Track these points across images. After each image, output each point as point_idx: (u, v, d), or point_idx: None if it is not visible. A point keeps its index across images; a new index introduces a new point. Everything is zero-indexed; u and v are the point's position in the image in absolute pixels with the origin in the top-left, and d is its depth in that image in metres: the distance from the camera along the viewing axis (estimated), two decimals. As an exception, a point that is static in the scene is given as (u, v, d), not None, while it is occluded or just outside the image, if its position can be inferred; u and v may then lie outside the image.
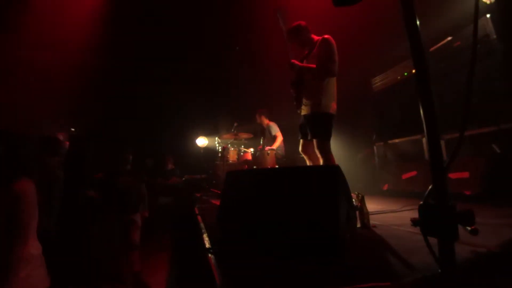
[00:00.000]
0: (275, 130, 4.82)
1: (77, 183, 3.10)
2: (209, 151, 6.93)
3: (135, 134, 6.42)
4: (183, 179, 6.14)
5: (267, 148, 4.55)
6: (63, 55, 5.43)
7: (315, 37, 2.67)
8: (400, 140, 4.00)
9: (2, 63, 4.98)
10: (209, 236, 1.75)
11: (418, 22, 1.02)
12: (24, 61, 5.19)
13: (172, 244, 3.84)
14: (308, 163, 2.81)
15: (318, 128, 2.55)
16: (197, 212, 2.90)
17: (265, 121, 4.96)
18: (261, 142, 4.91)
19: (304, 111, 2.71)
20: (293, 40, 2.71)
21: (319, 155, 2.56)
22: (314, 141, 2.58)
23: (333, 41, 2.51)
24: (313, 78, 2.58)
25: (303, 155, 2.86)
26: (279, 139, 4.75)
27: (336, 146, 5.48)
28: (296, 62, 2.62)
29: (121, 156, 3.55)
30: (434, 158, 0.97)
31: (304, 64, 2.63)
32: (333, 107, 2.58)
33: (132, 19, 5.59)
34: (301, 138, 2.81)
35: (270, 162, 4.42)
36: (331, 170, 1.49)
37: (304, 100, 2.67)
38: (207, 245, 1.58)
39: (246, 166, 4.84)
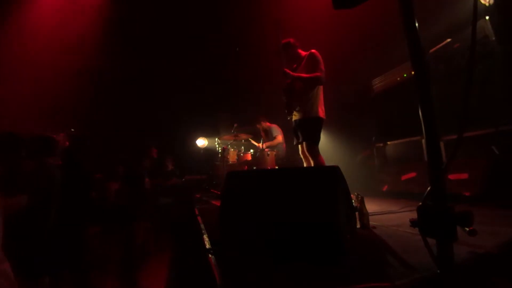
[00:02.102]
0: (276, 132, 4.99)
1: (77, 184, 3.09)
2: (209, 152, 6.94)
3: (135, 134, 6.42)
4: (183, 180, 6.13)
5: (262, 146, 4.64)
6: (64, 54, 5.44)
7: (303, 52, 2.91)
8: (399, 141, 4.00)
9: (2, 62, 4.98)
10: (209, 237, 1.76)
11: (417, 24, 1.02)
12: (24, 61, 5.19)
13: (172, 244, 3.82)
14: (305, 165, 2.95)
15: (309, 132, 2.76)
16: (197, 212, 2.90)
17: (266, 124, 5.09)
18: (261, 143, 4.94)
19: (296, 116, 2.91)
20: (284, 54, 2.98)
21: (309, 157, 2.76)
22: (305, 143, 2.79)
23: (319, 55, 2.74)
24: (304, 87, 2.78)
25: (302, 158, 2.98)
26: (276, 140, 4.91)
27: (336, 147, 5.50)
28: (289, 71, 2.78)
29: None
30: (432, 159, 0.97)
31: (296, 73, 2.81)
32: (321, 112, 2.78)
33: (131, 19, 5.61)
34: (296, 143, 2.97)
35: (270, 162, 4.44)
36: (331, 171, 1.49)
37: (297, 107, 2.87)
38: (207, 245, 1.58)
39: (246, 166, 4.86)
